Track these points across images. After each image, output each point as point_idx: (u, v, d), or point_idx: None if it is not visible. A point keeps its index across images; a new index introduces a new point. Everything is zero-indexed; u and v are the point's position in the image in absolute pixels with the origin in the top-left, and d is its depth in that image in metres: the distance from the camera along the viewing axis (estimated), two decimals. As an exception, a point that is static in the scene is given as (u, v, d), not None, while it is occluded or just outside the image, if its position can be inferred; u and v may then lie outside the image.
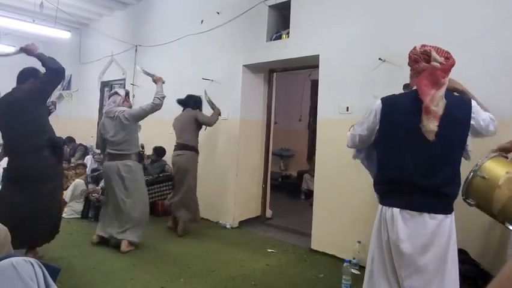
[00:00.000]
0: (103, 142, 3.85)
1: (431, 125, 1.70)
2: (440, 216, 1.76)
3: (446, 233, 1.77)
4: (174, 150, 4.39)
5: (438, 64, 1.75)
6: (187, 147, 4.32)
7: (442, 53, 1.81)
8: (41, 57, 3.12)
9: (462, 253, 2.50)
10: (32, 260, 1.50)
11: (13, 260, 1.43)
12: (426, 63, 1.79)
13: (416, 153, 1.79)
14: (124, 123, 3.68)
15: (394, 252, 1.79)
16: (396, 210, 1.79)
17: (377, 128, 1.88)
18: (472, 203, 1.95)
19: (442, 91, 1.74)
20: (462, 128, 1.80)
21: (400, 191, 1.81)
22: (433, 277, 1.74)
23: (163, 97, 3.79)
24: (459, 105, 1.81)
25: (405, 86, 2.78)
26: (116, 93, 3.92)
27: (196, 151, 4.40)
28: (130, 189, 3.71)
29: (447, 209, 1.80)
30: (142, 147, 3.80)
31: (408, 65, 1.92)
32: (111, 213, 3.76)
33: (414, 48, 1.87)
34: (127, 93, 4.01)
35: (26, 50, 3.12)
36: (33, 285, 1.41)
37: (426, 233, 1.75)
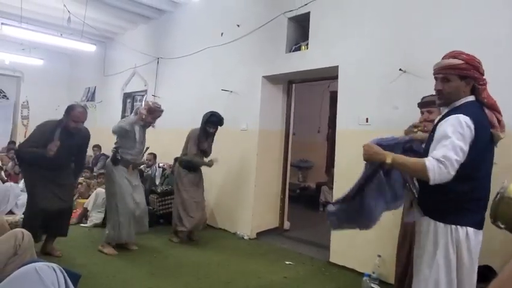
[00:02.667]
0: None
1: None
2: None
3: None
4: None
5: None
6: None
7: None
8: None
9: (487, 270, 2.41)
10: (55, 265, 1.54)
11: (36, 266, 1.47)
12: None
13: (491, 165, 1.76)
14: None
15: (465, 273, 1.69)
16: (470, 229, 1.68)
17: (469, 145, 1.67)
18: (502, 226, 1.88)
19: None
20: None
21: (472, 209, 1.71)
22: None
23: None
24: None
25: (423, 105, 2.72)
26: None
27: (180, 163, 4.45)
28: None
29: None
30: (117, 148, 3.91)
31: (464, 75, 1.75)
32: None
33: (472, 56, 1.77)
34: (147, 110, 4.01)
35: None
36: (55, 291, 1.44)
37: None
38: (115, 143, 3.97)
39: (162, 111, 4.09)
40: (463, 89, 1.76)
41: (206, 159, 4.47)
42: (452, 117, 1.67)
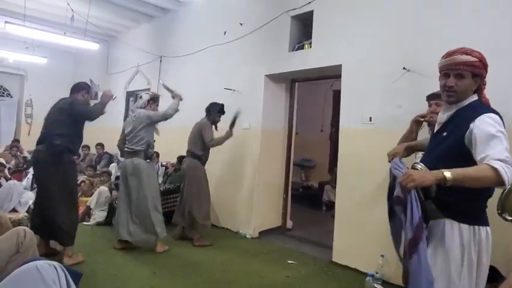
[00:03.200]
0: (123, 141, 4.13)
1: None
2: None
3: None
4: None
5: None
6: (191, 154, 4.42)
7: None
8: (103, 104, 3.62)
9: (492, 270, 2.38)
10: (56, 263, 1.53)
11: (37, 264, 1.47)
12: None
13: None
14: (137, 122, 3.94)
15: (482, 273, 1.64)
16: (488, 229, 1.66)
17: None
18: (509, 218, 1.86)
19: None
20: None
21: (485, 208, 1.70)
22: None
23: (176, 111, 3.99)
24: None
25: (431, 97, 2.70)
26: (140, 97, 4.19)
27: (199, 159, 4.37)
28: (133, 186, 3.87)
29: None
30: (149, 145, 3.97)
31: (477, 73, 1.71)
32: (124, 214, 3.91)
33: (482, 54, 1.72)
34: (152, 99, 4.11)
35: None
36: (56, 289, 1.44)
37: None
38: (142, 139, 3.91)
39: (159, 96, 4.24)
40: (471, 88, 1.72)
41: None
42: (485, 117, 1.59)
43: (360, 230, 3.66)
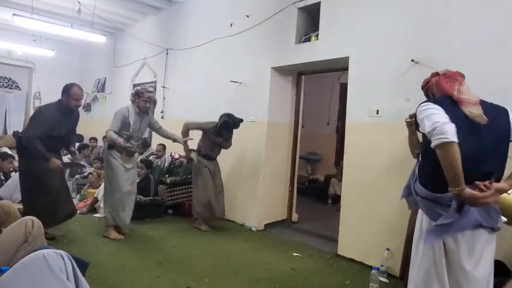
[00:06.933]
0: None
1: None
2: None
3: None
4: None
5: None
6: None
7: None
8: None
9: (499, 265, 2.37)
10: (63, 252, 1.55)
11: (44, 252, 1.48)
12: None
13: None
14: None
15: (453, 257, 1.84)
16: None
17: None
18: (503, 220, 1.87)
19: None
20: None
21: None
22: None
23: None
24: None
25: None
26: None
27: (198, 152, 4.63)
28: None
29: None
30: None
31: (430, 92, 2.02)
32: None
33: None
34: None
35: None
36: (63, 277, 1.45)
37: None
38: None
39: (150, 92, 4.19)
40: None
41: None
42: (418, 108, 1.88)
43: (365, 223, 3.65)
